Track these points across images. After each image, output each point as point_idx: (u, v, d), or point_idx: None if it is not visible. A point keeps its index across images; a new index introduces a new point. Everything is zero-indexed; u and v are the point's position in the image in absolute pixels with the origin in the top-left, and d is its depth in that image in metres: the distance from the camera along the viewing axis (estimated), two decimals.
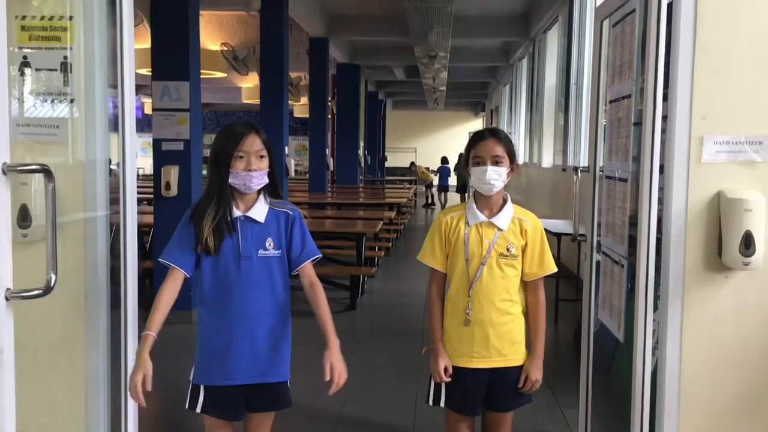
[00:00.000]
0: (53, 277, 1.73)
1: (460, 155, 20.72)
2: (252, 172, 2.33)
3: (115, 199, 2.38)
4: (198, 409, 2.41)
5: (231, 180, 2.35)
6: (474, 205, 2.58)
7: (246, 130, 2.35)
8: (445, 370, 2.56)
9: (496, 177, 2.49)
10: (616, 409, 3.16)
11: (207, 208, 2.35)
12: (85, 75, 2.36)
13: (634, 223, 2.51)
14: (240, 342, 2.38)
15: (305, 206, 10.61)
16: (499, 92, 20.59)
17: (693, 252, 2.29)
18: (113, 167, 2.47)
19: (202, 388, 2.40)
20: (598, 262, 3.04)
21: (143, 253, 7.54)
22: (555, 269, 2.60)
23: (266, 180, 2.40)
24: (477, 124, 29.96)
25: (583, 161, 8.97)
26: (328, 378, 2.35)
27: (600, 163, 3.02)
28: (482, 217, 2.55)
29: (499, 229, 2.53)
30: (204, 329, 2.41)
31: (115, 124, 2.36)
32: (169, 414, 3.91)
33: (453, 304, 2.60)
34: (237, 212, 2.39)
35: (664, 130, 2.31)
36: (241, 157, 2.33)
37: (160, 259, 2.40)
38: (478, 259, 2.53)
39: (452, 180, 20.47)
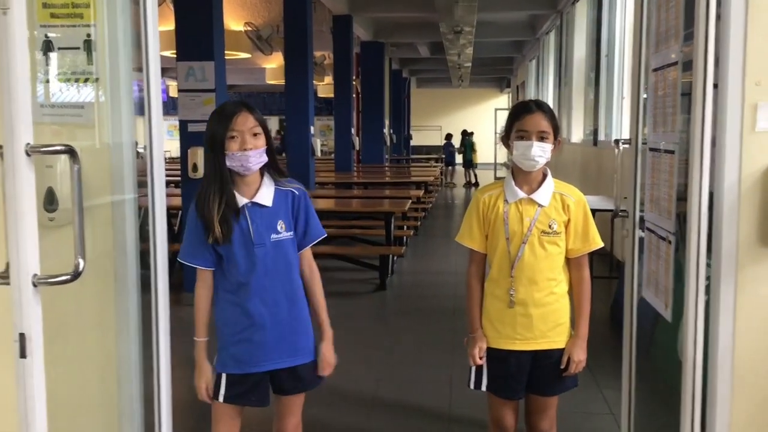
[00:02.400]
0: (81, 261, 1.67)
1: (464, 131, 20.83)
2: (248, 151, 2.24)
3: (143, 182, 2.32)
4: (220, 399, 2.36)
5: (228, 163, 2.26)
6: (512, 182, 2.47)
7: (236, 109, 2.26)
8: (479, 350, 2.48)
9: (540, 153, 2.38)
10: (656, 388, 3.07)
11: (209, 197, 2.28)
12: (110, 54, 2.29)
13: (682, 197, 2.39)
14: (262, 328, 2.34)
15: (331, 186, 10.56)
16: (525, 67, 20.29)
17: (746, 227, 2.17)
18: (140, 150, 2.40)
19: (224, 377, 2.36)
20: (641, 239, 2.92)
21: (171, 236, 7.54)
22: (601, 244, 2.50)
23: (265, 158, 2.30)
24: (502, 100, 29.64)
25: (615, 135, 8.78)
26: (321, 373, 2.44)
27: (642, 134, 2.89)
28: (521, 194, 2.45)
29: (540, 206, 2.43)
30: (223, 318, 2.37)
31: (141, 106, 2.29)
32: (192, 401, 3.88)
33: (495, 285, 2.50)
34: (243, 199, 2.32)
35: (714, 100, 2.18)
36: (234, 137, 2.24)
37: (179, 259, 2.39)
38: (518, 237, 2.43)
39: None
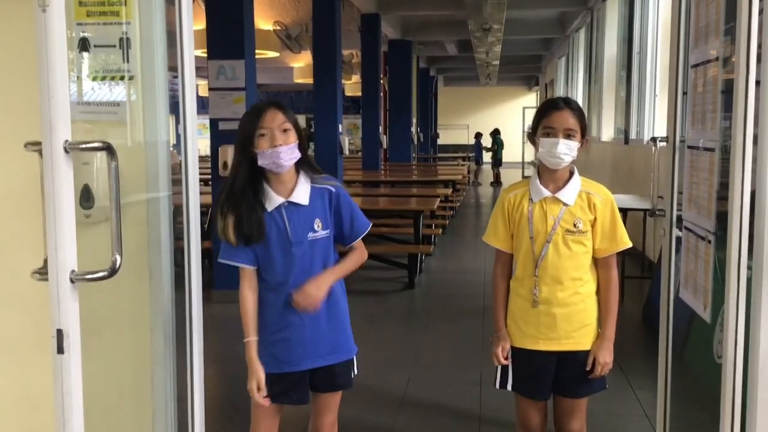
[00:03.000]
0: (118, 258, 1.67)
1: (495, 131, 20.87)
2: (278, 147, 2.22)
3: (176, 180, 2.32)
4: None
5: (260, 161, 2.25)
6: (537, 180, 2.44)
7: (264, 106, 2.26)
8: (503, 350, 2.46)
9: (566, 151, 2.35)
10: (691, 390, 3.01)
11: (239, 197, 2.27)
12: (144, 52, 2.30)
13: (722, 196, 2.33)
14: (301, 327, 2.33)
15: (358, 184, 10.55)
16: (554, 65, 20.11)
17: None
18: (172, 148, 2.41)
19: (263, 376, 2.35)
20: (677, 238, 2.86)
21: (202, 234, 7.57)
22: (629, 244, 2.46)
23: (298, 154, 2.28)
24: (530, 98, 29.41)
25: (647, 134, 8.66)
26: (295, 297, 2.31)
27: (680, 132, 2.84)
28: (546, 192, 2.41)
29: (565, 204, 2.39)
30: (261, 318, 2.37)
31: (174, 105, 2.30)
32: (232, 395, 3.90)
33: (519, 284, 2.47)
34: (279, 198, 2.30)
35: (756, 97, 2.12)
36: (263, 134, 2.23)
37: (220, 260, 2.38)
38: (543, 236, 2.39)
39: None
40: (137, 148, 2.35)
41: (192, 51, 2.30)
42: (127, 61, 2.21)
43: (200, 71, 6.47)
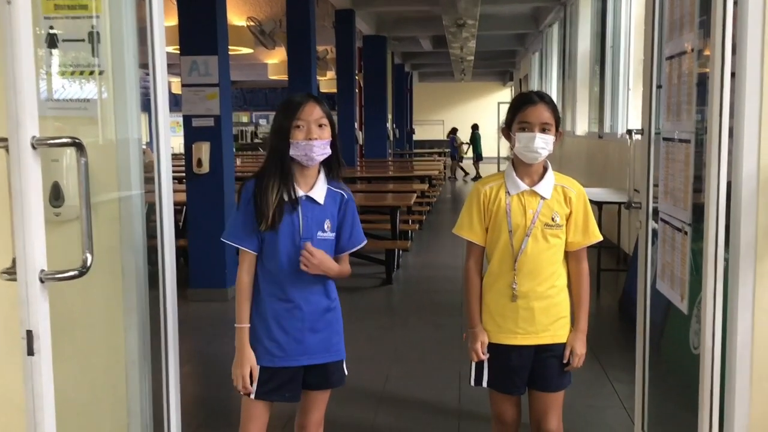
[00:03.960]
0: (89, 257, 1.63)
1: (474, 126, 21.05)
2: (313, 141, 2.23)
3: (149, 178, 2.29)
4: (252, 395, 2.32)
5: (292, 152, 2.25)
6: (514, 173, 2.43)
7: (304, 99, 2.27)
8: (481, 345, 2.44)
9: (543, 145, 2.34)
10: (668, 381, 3.03)
11: (269, 184, 2.27)
12: (115, 47, 2.25)
13: (698, 187, 2.34)
14: (300, 322, 2.32)
15: None
16: (528, 60, 20.22)
17: (765, 217, 2.12)
18: (145, 146, 2.37)
19: (257, 371, 2.32)
20: (654, 230, 2.87)
21: (177, 232, 7.49)
22: (600, 238, 2.46)
23: (329, 151, 2.30)
24: (505, 94, 29.53)
25: (621, 128, 8.72)
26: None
27: (655, 124, 2.85)
28: (524, 186, 2.40)
29: (543, 198, 2.39)
30: (259, 310, 2.33)
31: (147, 102, 2.26)
32: (209, 394, 3.86)
33: (495, 278, 2.45)
34: (299, 191, 2.31)
35: (732, 88, 2.13)
36: (300, 126, 2.24)
37: (224, 239, 2.34)
38: (522, 230, 2.38)
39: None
40: (108, 145, 2.30)
41: (163, 46, 2.27)
42: (97, 56, 2.17)
43: (173, 68, 6.39)
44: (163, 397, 2.38)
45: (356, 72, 13.15)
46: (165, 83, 2.28)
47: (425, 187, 9.33)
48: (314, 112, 2.25)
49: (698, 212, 2.33)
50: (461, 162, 21.22)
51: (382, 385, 3.99)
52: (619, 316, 5.35)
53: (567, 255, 2.46)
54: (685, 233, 2.47)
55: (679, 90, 2.55)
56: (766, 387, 2.18)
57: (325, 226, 2.33)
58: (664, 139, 2.71)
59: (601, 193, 6.80)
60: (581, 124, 11.49)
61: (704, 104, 2.26)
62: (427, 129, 28.91)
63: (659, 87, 2.81)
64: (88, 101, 2.20)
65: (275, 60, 14.73)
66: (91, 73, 2.15)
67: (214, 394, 3.81)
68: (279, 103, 2.35)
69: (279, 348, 2.31)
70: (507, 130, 2.46)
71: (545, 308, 2.41)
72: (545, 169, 2.43)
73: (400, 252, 7.41)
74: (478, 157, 20.38)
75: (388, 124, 15.81)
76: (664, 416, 3.02)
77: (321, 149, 2.26)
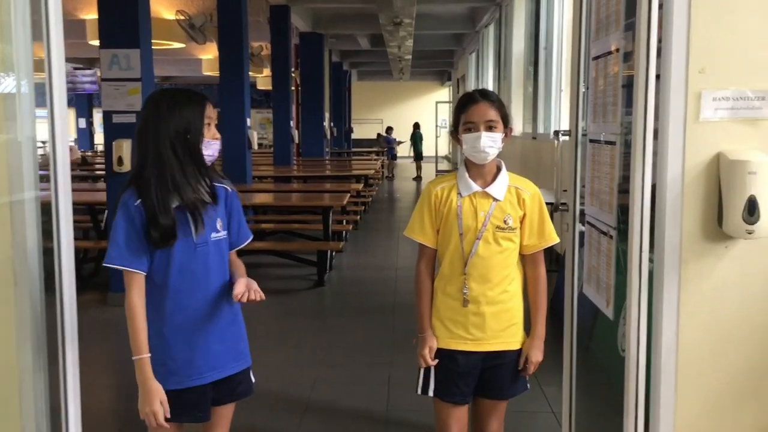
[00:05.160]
0: None
1: (415, 124, 21.21)
2: (218, 140, 2.14)
3: (77, 176, 2.12)
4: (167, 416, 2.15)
5: (206, 151, 2.11)
6: (466, 174, 2.35)
7: (201, 96, 2.13)
8: (430, 351, 2.34)
9: (490, 144, 2.27)
10: (596, 383, 3.01)
11: (170, 192, 2.05)
12: (4, 40, 2.09)
13: (624, 189, 2.30)
14: (205, 335, 2.14)
15: (270, 180, 10.32)
16: (465, 60, 20.34)
17: (690, 221, 2.09)
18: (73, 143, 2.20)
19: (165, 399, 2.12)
20: (581, 233, 2.83)
21: (98, 233, 7.21)
22: (557, 240, 2.41)
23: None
24: (443, 93, 29.72)
25: (554, 129, 8.80)
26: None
27: (582, 126, 2.81)
28: (476, 187, 2.33)
29: (495, 200, 2.32)
30: (161, 328, 2.11)
31: (70, 99, 2.09)
32: (127, 404, 3.66)
33: (446, 282, 2.36)
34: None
35: (656, 90, 2.09)
36: (209, 124, 2.11)
37: (108, 264, 2.08)
38: (473, 233, 2.31)
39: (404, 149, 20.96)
40: None
41: (61, 40, 2.13)
42: None
43: (97, 62, 6.14)
44: (62, 414, 2.21)
45: (292, 69, 12.96)
46: (62, 79, 2.14)
47: (360, 186, 9.22)
48: (214, 110, 2.15)
49: (625, 214, 2.29)
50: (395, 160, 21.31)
51: (309, 392, 3.86)
52: (551, 318, 5.35)
53: (523, 258, 2.39)
54: (611, 237, 2.43)
55: (605, 91, 2.51)
56: (691, 392, 2.15)
57: (218, 226, 2.17)
58: (591, 140, 2.67)
59: None
60: (516, 124, 11.57)
61: (630, 106, 2.22)
62: (366, 128, 28.84)
63: (587, 89, 2.78)
64: None
65: (210, 56, 14.40)
66: None
67: (132, 404, 3.62)
68: (161, 98, 2.12)
69: (186, 366, 2.12)
70: (455, 133, 2.37)
71: (496, 314, 2.34)
72: (499, 170, 2.36)
73: (333, 253, 7.28)
74: (418, 156, 20.43)
75: (326, 123, 15.65)
76: (592, 420, 2.99)
77: (218, 148, 2.17)
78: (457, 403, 2.39)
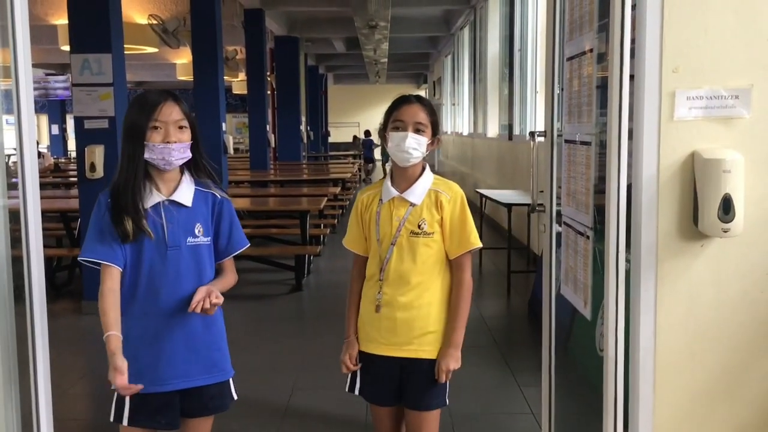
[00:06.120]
0: None
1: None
2: (171, 144, 2.05)
3: (50, 183, 2.07)
4: (125, 422, 2.11)
5: (147, 155, 2.05)
6: (389, 181, 2.34)
7: (161, 98, 2.06)
8: (350, 357, 2.37)
9: (415, 146, 2.25)
10: (575, 384, 3.01)
11: (125, 191, 2.05)
12: None
13: (599, 190, 2.30)
14: (172, 341, 2.10)
15: (247, 185, 10.25)
16: (441, 63, 20.39)
17: (666, 220, 2.10)
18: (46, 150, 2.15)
19: (127, 397, 2.09)
20: (558, 234, 2.83)
21: (71, 241, 7.10)
22: (479, 245, 2.33)
23: (189, 154, 2.12)
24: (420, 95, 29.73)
25: (530, 130, 8.84)
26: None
27: (558, 126, 2.80)
28: (394, 192, 2.31)
29: (412, 204, 2.29)
30: (126, 330, 2.06)
31: (44, 105, 2.06)
32: (102, 413, 3.60)
33: (368, 287, 2.38)
34: (160, 196, 2.10)
35: (631, 91, 2.09)
36: (157, 127, 2.04)
37: (80, 258, 2.09)
38: (388, 238, 2.29)
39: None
40: None
41: (27, 43, 2.09)
42: None
43: (70, 68, 6.04)
44: (33, 423, 2.16)
45: (268, 73, 12.89)
46: (29, 84, 2.11)
47: (337, 190, 9.19)
48: (173, 113, 2.06)
49: (601, 214, 2.28)
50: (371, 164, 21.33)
51: (287, 398, 3.82)
52: (529, 319, 5.36)
53: (449, 264, 2.35)
54: (587, 237, 2.43)
55: (579, 92, 2.51)
56: (669, 390, 2.16)
57: (197, 231, 2.13)
58: (566, 141, 2.66)
59: (511, 195, 6.84)
60: (492, 126, 11.62)
61: (604, 107, 2.22)
62: (343, 131, 28.80)
63: (561, 90, 2.78)
64: None
65: (184, 60, 14.28)
66: None
67: (107, 413, 3.56)
68: (132, 99, 2.15)
69: (150, 371, 2.08)
70: (384, 131, 2.36)
71: (408, 320, 2.30)
72: (422, 173, 2.33)
73: (311, 257, 7.24)
74: (366, 160, 20.49)
75: (302, 127, 15.59)
76: (572, 421, 2.99)
77: (180, 153, 2.08)
78: (380, 404, 2.41)
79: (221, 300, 2.08)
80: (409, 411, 2.37)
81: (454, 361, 2.29)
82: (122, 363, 1.95)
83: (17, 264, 2.12)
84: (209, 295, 2.04)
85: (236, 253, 2.25)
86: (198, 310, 2.03)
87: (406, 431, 2.43)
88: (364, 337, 2.38)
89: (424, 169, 2.34)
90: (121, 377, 1.92)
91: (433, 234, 2.29)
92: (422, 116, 2.28)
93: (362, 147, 22.15)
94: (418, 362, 2.31)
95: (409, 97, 2.34)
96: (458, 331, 2.31)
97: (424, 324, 2.30)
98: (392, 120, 2.30)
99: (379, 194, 2.35)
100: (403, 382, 2.34)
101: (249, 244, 2.30)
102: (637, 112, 2.08)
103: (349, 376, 2.41)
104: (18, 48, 2.05)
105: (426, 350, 2.31)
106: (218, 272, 2.22)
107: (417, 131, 2.26)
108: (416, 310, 2.29)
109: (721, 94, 2.04)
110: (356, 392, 2.41)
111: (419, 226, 2.28)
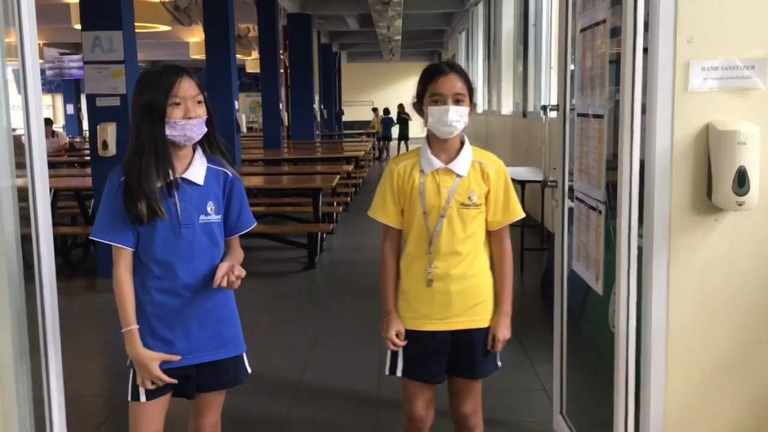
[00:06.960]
0: None
1: (400, 105, 21.18)
2: (192, 120, 2.03)
3: (58, 162, 2.08)
4: (142, 398, 2.11)
5: (168, 132, 2.02)
6: (428, 151, 2.28)
7: (178, 73, 2.03)
8: (398, 335, 2.31)
9: (458, 118, 2.21)
10: (588, 361, 2.99)
11: (147, 170, 2.02)
12: None
13: (612, 165, 2.27)
14: (187, 317, 2.11)
15: (260, 163, 10.25)
16: (455, 40, 20.21)
17: (679, 193, 2.06)
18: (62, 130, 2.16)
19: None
20: (570, 209, 2.80)
21: (86, 219, 7.14)
22: (522, 215, 2.34)
23: (205, 129, 2.10)
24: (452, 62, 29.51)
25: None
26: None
27: (570, 100, 2.77)
28: (438, 164, 2.26)
29: (459, 176, 2.26)
30: (141, 308, 2.09)
31: (58, 85, 2.06)
32: (116, 389, 3.64)
33: (411, 262, 2.32)
34: (171, 174, 2.07)
35: (644, 64, 2.05)
36: (178, 104, 2.02)
37: (93, 237, 2.08)
38: (437, 211, 2.25)
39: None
40: None
41: (34, 24, 2.10)
42: None
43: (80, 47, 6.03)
44: (45, 403, 2.19)
45: (281, 51, 12.83)
46: (36, 64, 2.11)
47: (350, 168, 9.17)
48: (191, 88, 2.04)
49: (614, 190, 2.25)
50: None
51: (299, 375, 3.84)
52: (542, 296, 5.34)
53: (489, 235, 2.34)
54: (600, 212, 2.40)
55: (592, 65, 2.47)
56: (681, 366, 2.14)
57: (209, 209, 2.12)
58: (579, 114, 2.63)
59: (525, 172, 6.79)
60: (507, 103, 11.52)
61: (618, 82, 2.18)
62: (357, 110, 28.70)
63: (574, 64, 2.73)
64: None
65: (197, 38, 14.22)
66: None
67: (121, 389, 3.59)
68: (140, 77, 2.10)
69: (166, 347, 2.10)
70: (419, 104, 2.32)
71: (462, 291, 2.29)
72: (462, 145, 2.30)
73: (324, 235, 7.24)
74: (403, 138, 20.48)
75: (316, 105, 15.53)
76: (584, 397, 2.98)
77: (200, 128, 2.07)
78: (427, 382, 2.36)
79: (243, 273, 2.08)
80: (458, 380, 2.37)
81: (507, 330, 2.33)
82: (155, 358, 2.05)
83: (27, 241, 2.13)
84: (232, 270, 2.06)
85: (244, 232, 2.24)
86: (224, 284, 2.04)
87: (454, 401, 2.42)
88: (412, 314, 2.32)
89: (462, 140, 2.30)
90: (156, 374, 2.05)
91: (481, 206, 2.27)
92: (459, 86, 2.22)
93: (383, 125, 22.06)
94: (472, 332, 2.31)
95: (443, 67, 2.26)
96: (508, 300, 2.34)
97: (476, 294, 2.30)
98: (430, 94, 2.24)
99: (417, 164, 2.29)
100: (455, 354, 2.32)
101: (256, 223, 2.29)
102: (650, 84, 2.04)
103: (389, 357, 2.35)
104: (24, 28, 2.05)
105: (478, 319, 2.31)
106: (226, 249, 2.22)
107: (456, 102, 2.21)
108: (468, 280, 2.29)
109: (737, 64, 1.99)
110: (398, 374, 2.34)
111: (469, 198, 2.25)
